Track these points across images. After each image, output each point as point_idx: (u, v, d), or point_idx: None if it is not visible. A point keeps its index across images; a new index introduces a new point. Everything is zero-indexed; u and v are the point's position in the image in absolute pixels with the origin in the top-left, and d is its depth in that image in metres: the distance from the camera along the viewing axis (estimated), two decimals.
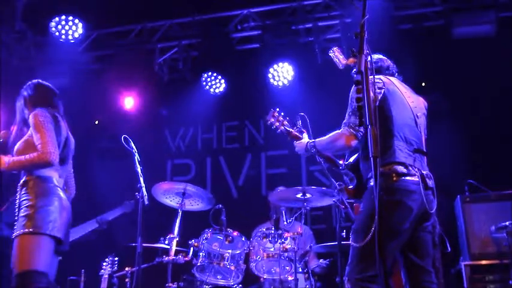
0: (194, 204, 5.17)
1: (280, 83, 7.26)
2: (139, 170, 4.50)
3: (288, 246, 4.73)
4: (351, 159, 3.42)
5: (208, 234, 4.79)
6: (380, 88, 3.08)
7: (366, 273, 2.84)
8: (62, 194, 3.56)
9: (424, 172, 3.07)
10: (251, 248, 4.87)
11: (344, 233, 4.58)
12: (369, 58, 2.55)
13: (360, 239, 2.85)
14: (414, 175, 2.99)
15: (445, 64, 6.51)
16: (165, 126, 8.10)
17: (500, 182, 5.35)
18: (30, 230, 3.32)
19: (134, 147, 4.55)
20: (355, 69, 3.45)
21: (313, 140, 3.42)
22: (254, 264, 4.84)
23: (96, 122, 8.10)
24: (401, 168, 2.98)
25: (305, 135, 3.60)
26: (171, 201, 5.12)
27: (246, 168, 7.67)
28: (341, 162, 3.50)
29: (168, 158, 8.01)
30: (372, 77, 2.59)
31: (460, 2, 6.47)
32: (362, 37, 2.55)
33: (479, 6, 6.35)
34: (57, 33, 7.01)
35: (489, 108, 6.36)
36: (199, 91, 7.56)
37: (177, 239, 4.84)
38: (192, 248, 4.77)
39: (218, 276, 4.79)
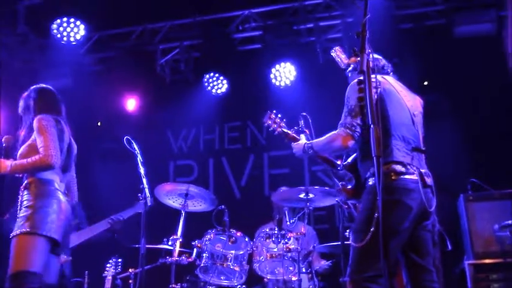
0: (197, 205, 5.17)
1: (282, 83, 7.26)
2: (142, 171, 4.51)
3: (291, 247, 4.73)
4: (349, 160, 3.42)
5: (212, 235, 4.79)
6: (376, 88, 3.07)
7: (366, 273, 2.83)
8: (62, 197, 3.60)
9: (423, 170, 3.06)
10: (254, 249, 4.87)
11: (347, 233, 4.58)
12: (371, 57, 2.55)
13: (359, 239, 2.84)
14: (413, 173, 2.98)
15: (447, 63, 6.51)
16: (168, 128, 8.10)
17: (503, 180, 5.35)
18: (28, 230, 3.37)
19: (137, 148, 4.56)
20: (350, 69, 3.49)
21: (310, 141, 3.42)
22: (257, 265, 4.84)
23: (99, 124, 8.12)
24: (399, 167, 2.97)
25: (302, 137, 3.60)
26: (174, 203, 5.12)
27: (249, 168, 7.67)
28: (339, 162, 3.50)
29: (171, 159, 8.01)
30: (374, 76, 2.58)
31: (461, 1, 6.47)
32: (364, 36, 2.55)
33: (480, 5, 6.35)
34: (59, 36, 7.01)
35: (490, 107, 6.35)
36: (201, 92, 7.58)
37: (180, 240, 4.84)
38: (195, 249, 4.78)
39: (222, 277, 4.79)
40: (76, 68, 7.37)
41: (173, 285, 4.67)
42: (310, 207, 5.06)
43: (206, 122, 7.95)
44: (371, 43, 2.58)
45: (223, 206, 4.91)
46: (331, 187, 5.06)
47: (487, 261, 4.92)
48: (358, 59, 2.52)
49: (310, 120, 3.77)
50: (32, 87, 3.95)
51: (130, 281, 5.03)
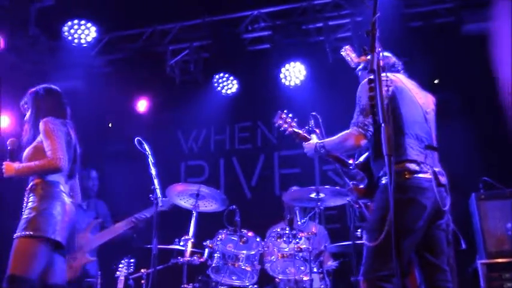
0: (208, 206, 5.18)
1: (292, 83, 7.27)
2: (153, 172, 4.53)
3: (303, 246, 4.73)
4: (361, 159, 3.41)
5: (223, 235, 4.80)
6: (388, 86, 3.06)
7: (380, 272, 2.83)
8: (66, 199, 3.60)
9: (436, 169, 3.04)
10: (265, 249, 4.88)
11: (358, 233, 4.57)
12: (381, 56, 2.54)
13: (373, 238, 2.84)
14: (426, 172, 2.97)
15: (457, 61, 6.47)
16: (178, 128, 8.13)
17: None
18: (30, 233, 3.37)
19: (148, 149, 4.58)
20: (360, 67, 3.48)
21: (322, 141, 3.42)
22: (269, 265, 4.84)
23: (110, 125, 8.16)
24: (413, 166, 2.96)
25: (314, 136, 3.60)
26: (185, 203, 5.14)
27: (259, 168, 7.67)
28: (351, 161, 3.49)
29: (182, 160, 8.04)
30: (385, 74, 2.58)
31: None
32: (373, 35, 2.54)
33: (489, 2, 6.30)
34: (70, 38, 7.07)
35: (502, 105, 6.30)
36: (211, 92, 7.60)
37: (192, 240, 4.86)
38: (206, 249, 4.79)
39: (233, 277, 4.79)
40: (87, 69, 7.44)
41: (185, 286, 4.68)
42: (321, 207, 5.06)
43: (216, 122, 7.96)
44: (381, 42, 2.58)
45: (234, 206, 4.92)
46: (342, 187, 5.05)
47: (500, 260, 4.88)
48: (368, 57, 2.52)
49: (320, 120, 3.77)
50: (38, 87, 3.90)
51: (142, 281, 5.05)
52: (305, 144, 3.55)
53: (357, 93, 3.12)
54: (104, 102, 7.49)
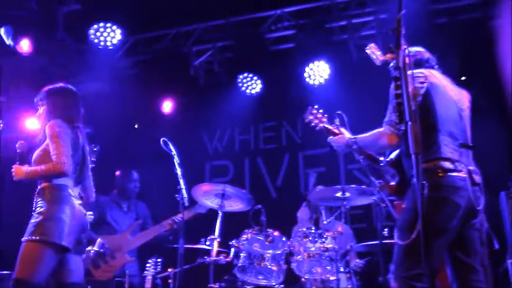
0: (234, 205, 5.20)
1: (317, 82, 7.24)
2: (179, 172, 4.56)
3: (329, 246, 4.70)
4: (392, 156, 3.38)
5: (249, 235, 4.81)
6: (422, 82, 3.01)
7: (411, 271, 2.79)
8: (75, 202, 3.57)
9: (471, 168, 2.99)
10: (291, 248, 4.87)
11: (385, 232, 4.53)
12: (407, 53, 2.52)
13: (405, 236, 2.80)
14: (461, 171, 2.92)
15: (484, 57, 6.36)
16: (203, 129, 8.17)
17: None
18: (37, 238, 3.36)
19: (173, 149, 4.61)
20: (392, 64, 3.44)
21: (354, 137, 3.40)
22: (295, 265, 4.83)
23: (136, 126, 8.25)
24: (447, 164, 2.91)
25: (345, 131, 3.57)
26: (211, 203, 5.16)
27: (284, 168, 7.67)
28: (381, 158, 3.46)
29: (207, 160, 8.08)
30: (410, 72, 2.54)
31: None
32: (399, 32, 2.52)
33: None
34: (96, 40, 7.18)
35: None
36: (235, 92, 7.62)
37: (218, 239, 4.88)
38: (233, 249, 4.80)
39: (259, 277, 4.79)
40: (113, 72, 7.53)
41: (211, 285, 4.70)
42: (347, 206, 5.03)
43: (241, 122, 7.98)
44: (406, 39, 2.55)
45: (260, 206, 4.93)
46: (368, 185, 5.02)
47: None
48: (394, 55, 2.50)
49: (345, 119, 3.75)
50: (54, 85, 3.84)
51: (169, 281, 5.09)
52: (335, 138, 3.53)
53: (390, 91, 3.09)
54: (130, 104, 7.58)
